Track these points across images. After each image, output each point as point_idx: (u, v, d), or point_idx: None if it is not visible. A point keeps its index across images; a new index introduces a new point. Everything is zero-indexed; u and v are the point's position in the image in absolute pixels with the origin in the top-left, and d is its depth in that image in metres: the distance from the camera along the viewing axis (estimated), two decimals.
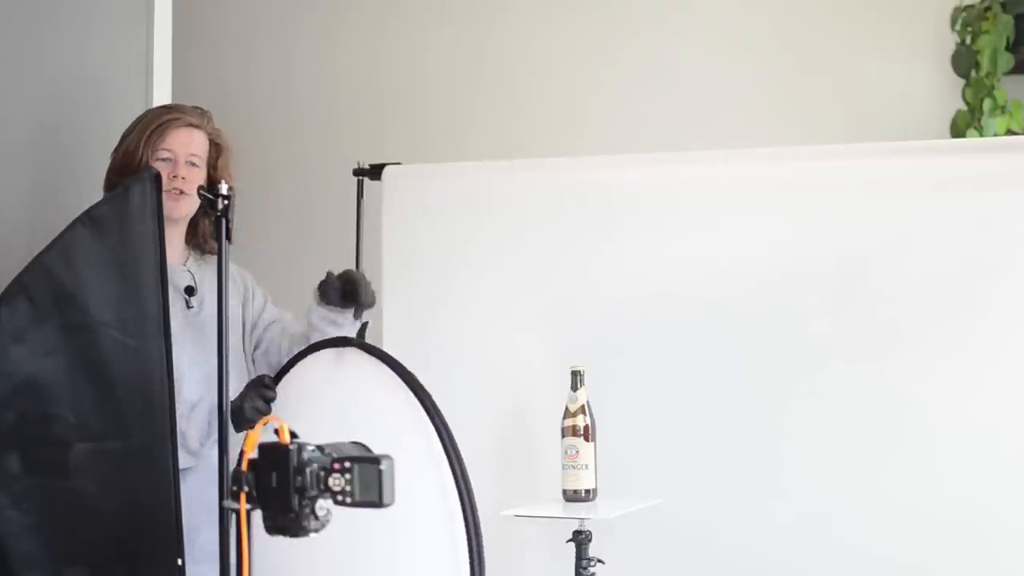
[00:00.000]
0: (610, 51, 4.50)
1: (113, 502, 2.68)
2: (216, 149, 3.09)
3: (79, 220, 2.74)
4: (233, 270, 3.12)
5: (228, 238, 2.60)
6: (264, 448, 2.05)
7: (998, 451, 3.13)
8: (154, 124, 3.01)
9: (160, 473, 2.68)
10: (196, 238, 3.11)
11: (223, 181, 2.99)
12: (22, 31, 3.31)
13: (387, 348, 3.06)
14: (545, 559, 3.24)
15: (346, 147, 3.86)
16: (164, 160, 2.99)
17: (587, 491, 3.06)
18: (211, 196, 2.63)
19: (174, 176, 2.97)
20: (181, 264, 3.05)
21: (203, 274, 3.06)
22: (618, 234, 3.42)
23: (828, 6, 4.40)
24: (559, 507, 3.04)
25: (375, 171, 3.64)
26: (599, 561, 2.95)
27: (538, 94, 4.54)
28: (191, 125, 3.03)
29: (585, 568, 2.95)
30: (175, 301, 2.95)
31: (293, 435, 2.04)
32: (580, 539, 2.95)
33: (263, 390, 2.94)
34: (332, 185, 3.55)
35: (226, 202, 2.60)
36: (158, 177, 2.79)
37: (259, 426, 2.12)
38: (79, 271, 2.72)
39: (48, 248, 2.74)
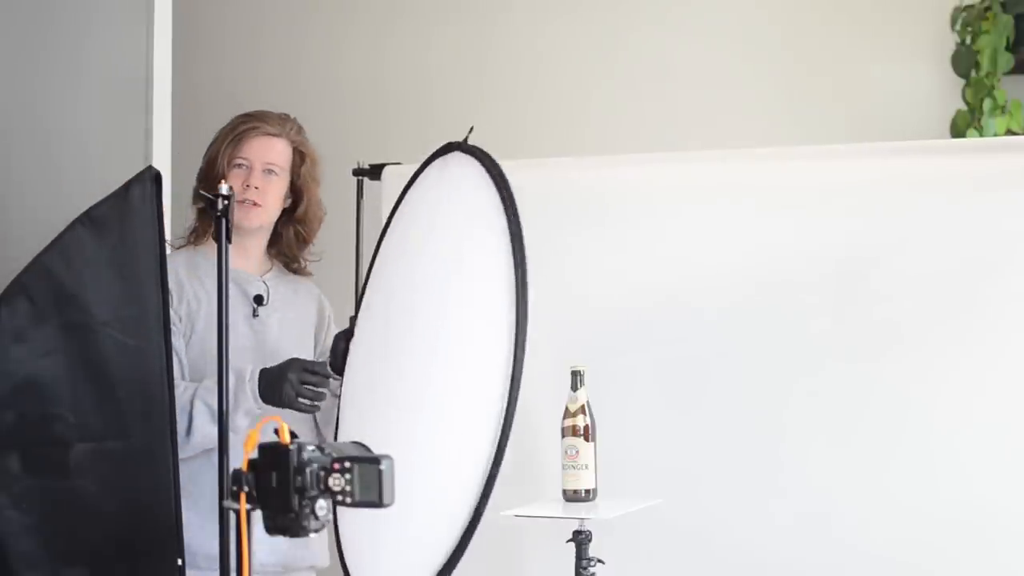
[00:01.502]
0: (611, 52, 4.50)
1: (113, 502, 2.68)
2: (300, 157, 3.07)
3: (79, 220, 2.75)
4: (318, 294, 3.16)
5: (228, 238, 2.60)
6: (264, 448, 2.05)
7: (998, 451, 3.12)
8: (233, 133, 3.02)
9: (160, 473, 2.68)
10: (280, 246, 3.10)
11: (305, 190, 3.02)
12: (22, 31, 3.31)
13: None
14: (545, 559, 3.24)
15: (347, 147, 3.85)
16: (239, 167, 2.99)
17: (587, 491, 3.05)
18: (211, 196, 2.63)
19: (247, 185, 2.96)
20: (258, 274, 3.05)
21: (280, 290, 3.05)
22: (619, 233, 3.41)
23: (828, 6, 4.40)
24: (559, 507, 3.03)
25: (375, 171, 3.64)
26: (599, 561, 2.95)
27: (538, 95, 4.54)
28: (269, 134, 3.02)
29: (585, 568, 2.94)
30: (241, 306, 2.95)
31: (293, 435, 2.04)
32: (580, 539, 2.94)
33: (304, 374, 2.87)
34: (332, 185, 3.54)
35: (226, 202, 2.60)
36: (158, 177, 2.79)
37: (259, 426, 2.12)
38: (79, 271, 2.72)
39: (48, 248, 2.74)
